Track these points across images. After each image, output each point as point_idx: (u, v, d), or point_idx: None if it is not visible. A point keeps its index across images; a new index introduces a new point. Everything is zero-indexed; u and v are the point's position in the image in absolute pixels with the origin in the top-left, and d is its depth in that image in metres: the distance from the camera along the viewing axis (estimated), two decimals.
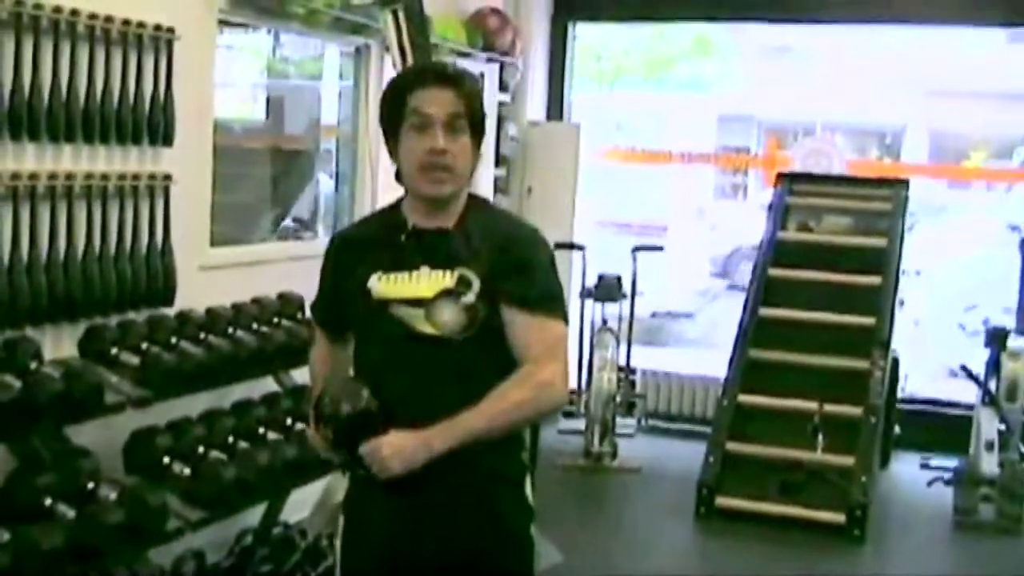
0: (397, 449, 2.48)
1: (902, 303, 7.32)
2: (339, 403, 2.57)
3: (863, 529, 5.95)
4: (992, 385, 6.75)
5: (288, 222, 6.77)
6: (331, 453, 2.65)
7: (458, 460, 2.51)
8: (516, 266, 2.59)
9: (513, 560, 2.69)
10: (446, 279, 2.56)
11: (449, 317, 2.55)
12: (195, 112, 4.64)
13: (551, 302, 2.62)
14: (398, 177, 2.65)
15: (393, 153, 2.64)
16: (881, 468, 6.88)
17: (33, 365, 3.58)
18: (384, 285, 2.59)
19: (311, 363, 2.97)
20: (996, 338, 6.92)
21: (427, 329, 2.55)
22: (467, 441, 2.50)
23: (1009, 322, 7.27)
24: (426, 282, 2.57)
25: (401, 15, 5.03)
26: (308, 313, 4.89)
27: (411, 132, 2.56)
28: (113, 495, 3.53)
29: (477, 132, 2.62)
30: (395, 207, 2.71)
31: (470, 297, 2.55)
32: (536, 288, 2.59)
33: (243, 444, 4.18)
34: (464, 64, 6.76)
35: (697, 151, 10.65)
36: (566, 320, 2.66)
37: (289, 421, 4.48)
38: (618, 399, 7.34)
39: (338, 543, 2.78)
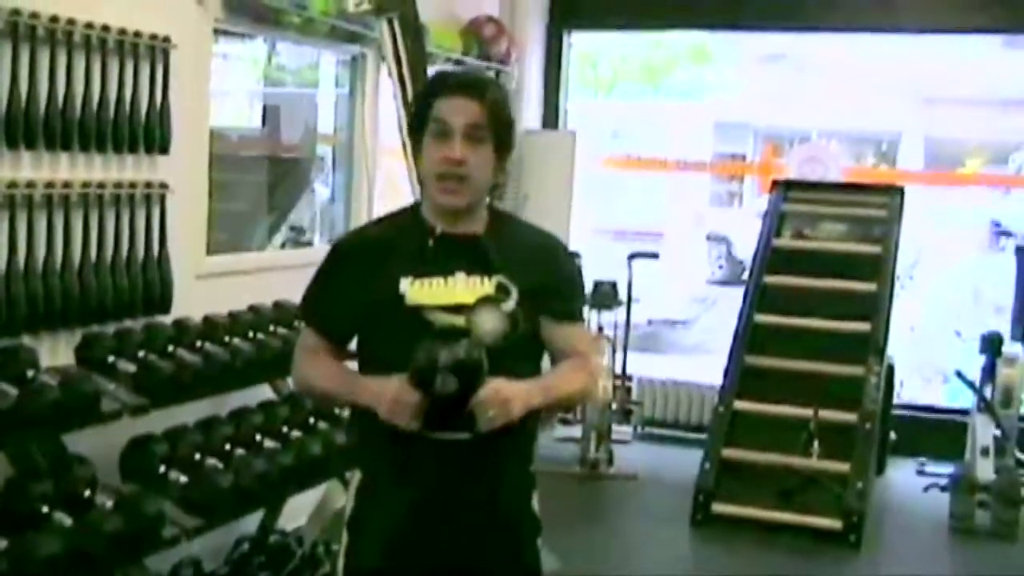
0: (514, 392, 2.48)
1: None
2: (457, 352, 2.44)
3: (859, 535, 5.96)
4: (987, 391, 6.77)
5: (284, 230, 6.77)
6: (422, 412, 2.47)
7: (474, 468, 2.53)
8: (557, 281, 2.69)
9: (520, 568, 2.69)
10: (485, 285, 2.56)
11: (491, 325, 2.52)
12: (191, 120, 4.65)
13: (582, 310, 2.90)
14: (419, 180, 2.68)
15: (416, 157, 2.66)
16: (877, 474, 6.89)
17: (30, 373, 3.58)
18: (418, 291, 2.55)
19: (306, 368, 2.76)
20: (991, 344, 6.94)
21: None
22: (544, 405, 2.58)
23: (1004, 328, 7.29)
24: (464, 287, 2.55)
25: (397, 24, 5.04)
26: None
27: (431, 139, 2.56)
28: (110, 503, 3.53)
29: (501, 143, 2.60)
30: (411, 211, 2.71)
31: (510, 304, 2.55)
32: (576, 302, 2.81)
33: (240, 451, 4.18)
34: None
35: (693, 158, 10.67)
36: None
37: (285, 429, 4.49)
38: (614, 406, 7.35)
39: (344, 536, 2.70)
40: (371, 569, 2.64)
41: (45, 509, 3.40)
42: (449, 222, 2.61)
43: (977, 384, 6.83)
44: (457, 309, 2.53)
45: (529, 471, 2.72)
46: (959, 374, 6.97)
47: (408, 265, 2.57)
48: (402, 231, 2.66)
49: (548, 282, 2.63)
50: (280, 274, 5.39)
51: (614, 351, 7.49)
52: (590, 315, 7.54)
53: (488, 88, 2.61)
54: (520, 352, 2.58)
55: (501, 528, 2.63)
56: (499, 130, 2.58)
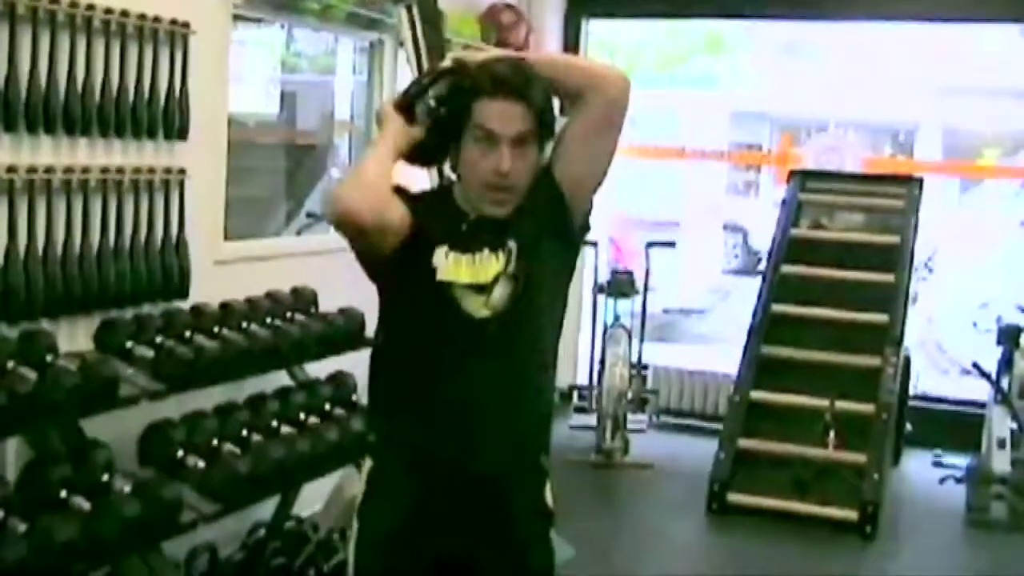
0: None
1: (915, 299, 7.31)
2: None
3: (875, 526, 5.94)
4: (1004, 383, 6.74)
5: (301, 217, 6.78)
6: None
7: (485, 451, 2.53)
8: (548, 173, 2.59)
9: (531, 560, 2.67)
10: (499, 260, 2.52)
11: (499, 294, 2.51)
12: (210, 106, 4.65)
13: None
14: (454, 169, 2.58)
15: (453, 154, 2.55)
16: (893, 465, 6.87)
17: (49, 358, 3.59)
18: (449, 263, 2.52)
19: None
20: (1009, 336, 6.92)
21: (484, 313, 2.51)
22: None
23: (1022, 320, 7.26)
24: (489, 265, 2.52)
25: (415, 10, 5.03)
26: (321, 308, 4.95)
27: (475, 145, 2.47)
28: (128, 487, 3.54)
29: (544, 138, 2.55)
30: (444, 192, 2.65)
31: (512, 264, 2.52)
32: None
33: (257, 437, 4.19)
34: None
35: (710, 148, 10.66)
36: None
37: (302, 415, 4.50)
38: (630, 395, 7.34)
39: (355, 522, 2.69)
40: (380, 552, 2.64)
41: (63, 494, 3.41)
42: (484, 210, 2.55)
43: (994, 376, 6.80)
44: (482, 288, 2.51)
45: (541, 460, 2.69)
46: (976, 366, 6.94)
47: (445, 235, 2.53)
48: (440, 209, 2.59)
49: (544, 188, 2.57)
50: (297, 260, 5.41)
51: (630, 340, 7.48)
52: (607, 303, 7.55)
53: (532, 86, 2.51)
54: (527, 320, 2.55)
55: (510, 517, 2.61)
56: (544, 127, 2.53)
